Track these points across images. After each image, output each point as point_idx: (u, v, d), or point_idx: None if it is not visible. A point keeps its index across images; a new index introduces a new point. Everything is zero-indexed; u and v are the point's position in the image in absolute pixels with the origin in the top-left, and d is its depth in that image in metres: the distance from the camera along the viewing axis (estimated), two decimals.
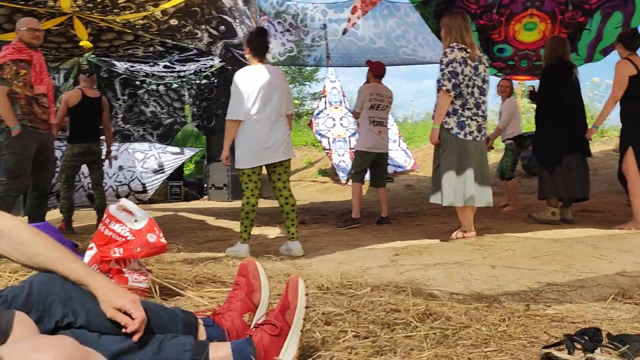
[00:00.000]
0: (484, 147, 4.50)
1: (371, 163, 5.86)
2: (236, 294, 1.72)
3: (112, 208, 2.24)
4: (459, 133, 4.26)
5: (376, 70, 5.94)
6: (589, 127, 5.17)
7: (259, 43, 4.11)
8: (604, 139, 10.36)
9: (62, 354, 1.01)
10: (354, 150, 6.23)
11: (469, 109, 4.28)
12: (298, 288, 1.56)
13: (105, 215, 2.25)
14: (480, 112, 4.35)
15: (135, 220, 2.23)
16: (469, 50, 4.28)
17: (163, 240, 2.19)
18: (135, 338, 1.39)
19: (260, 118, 3.93)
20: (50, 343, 1.04)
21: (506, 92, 6.77)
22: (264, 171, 4.09)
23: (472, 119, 4.29)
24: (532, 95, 5.64)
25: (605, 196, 6.78)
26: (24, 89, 4.53)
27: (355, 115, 5.99)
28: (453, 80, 4.20)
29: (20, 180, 4.51)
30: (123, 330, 1.40)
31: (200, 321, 1.63)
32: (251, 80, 3.95)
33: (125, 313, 1.40)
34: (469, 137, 4.27)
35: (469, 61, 4.27)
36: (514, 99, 6.86)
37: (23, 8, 6.47)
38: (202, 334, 1.60)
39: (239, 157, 3.98)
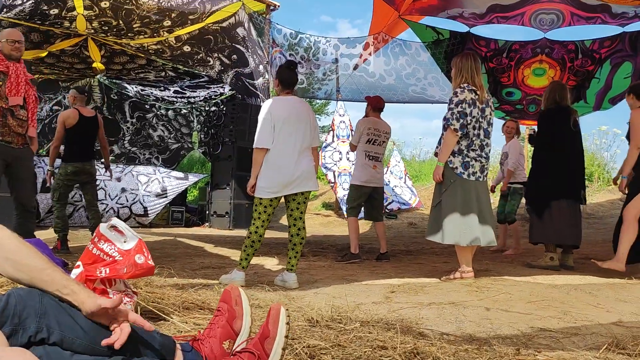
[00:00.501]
0: (486, 188, 4.49)
1: (367, 198, 5.83)
2: (217, 320, 1.68)
3: (102, 227, 2.22)
4: (463, 173, 4.26)
5: (374, 104, 5.96)
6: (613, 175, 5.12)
7: (287, 75, 4.12)
8: (610, 187, 10.29)
9: None
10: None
11: (473, 150, 4.30)
12: (279, 317, 1.53)
13: (94, 234, 2.23)
14: (484, 154, 4.36)
15: (125, 241, 2.20)
16: (478, 92, 4.31)
17: (151, 262, 2.16)
18: (117, 345, 1.38)
19: (287, 148, 3.92)
20: (10, 355, 1.01)
21: (512, 133, 6.78)
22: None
23: (476, 160, 4.30)
24: (531, 139, 5.64)
25: (608, 244, 6.68)
26: None
27: (352, 147, 6.01)
28: (461, 120, 4.23)
29: None
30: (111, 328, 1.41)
31: (178, 346, 1.59)
32: (279, 110, 3.95)
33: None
34: (472, 178, 4.27)
35: (477, 103, 4.30)
36: (518, 139, 6.87)
37: (40, 27, 6.61)
38: (179, 359, 1.56)
39: (263, 186, 3.93)
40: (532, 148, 5.74)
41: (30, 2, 5.73)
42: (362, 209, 6.02)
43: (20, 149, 4.58)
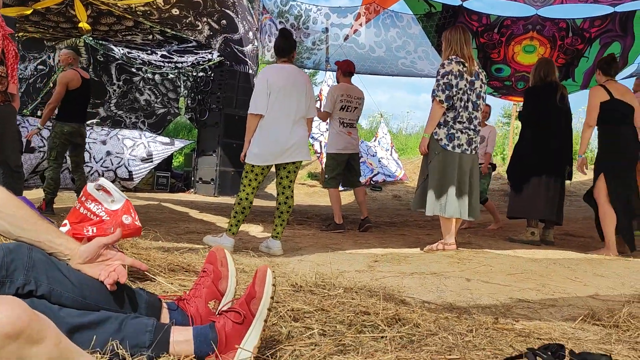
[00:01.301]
0: (475, 161, 4.48)
1: (345, 165, 5.82)
2: (203, 281, 1.70)
3: (89, 186, 2.22)
4: (448, 145, 4.28)
5: (344, 68, 5.91)
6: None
7: (280, 43, 4.11)
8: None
9: (10, 313, 1.00)
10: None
11: (460, 122, 4.30)
12: (266, 278, 1.55)
13: (82, 193, 2.23)
14: (472, 127, 4.36)
15: (112, 201, 2.20)
16: (466, 64, 4.30)
17: (138, 222, 2.17)
18: (123, 280, 1.44)
19: (282, 117, 3.90)
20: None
21: (486, 117, 6.80)
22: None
23: (462, 132, 4.30)
24: (519, 116, 5.67)
25: (588, 221, 6.81)
26: None
27: (325, 116, 5.93)
28: (447, 92, 4.22)
29: None
30: (101, 278, 1.44)
31: (164, 304, 1.61)
32: (275, 78, 3.93)
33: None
34: (457, 150, 4.29)
35: (465, 75, 4.28)
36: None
37: None
38: (165, 317, 1.58)
39: (256, 153, 3.92)
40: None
41: None
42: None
43: (1, 106, 4.36)
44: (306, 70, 16.83)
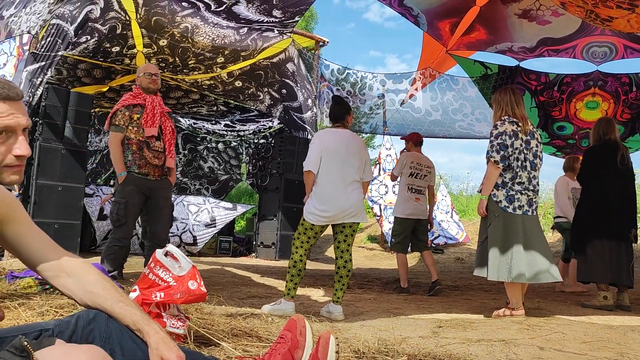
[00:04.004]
0: (537, 222, 4.35)
1: (411, 230, 5.85)
2: (279, 347, 1.71)
3: (158, 253, 2.31)
4: (508, 207, 4.18)
5: (414, 139, 6.10)
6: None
7: (331, 110, 4.24)
8: None
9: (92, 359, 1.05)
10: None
11: (519, 183, 4.21)
12: (329, 345, 1.55)
13: (151, 260, 2.32)
14: (531, 187, 4.26)
15: (179, 267, 2.28)
16: (520, 123, 4.26)
17: (203, 288, 2.23)
18: None
19: (336, 179, 3.97)
20: (82, 350, 1.08)
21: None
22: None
23: (522, 193, 4.21)
24: (578, 176, 5.49)
25: None
26: (137, 134, 4.49)
27: (392, 178, 6.10)
28: (502, 152, 4.17)
29: (122, 230, 4.44)
30: None
31: None
32: (329, 141, 4.04)
33: None
34: (518, 212, 4.18)
35: (520, 134, 4.23)
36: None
37: (102, 64, 6.98)
38: None
39: (312, 212, 3.98)
40: None
41: (93, 40, 6.08)
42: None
43: (157, 181, 4.62)
44: (364, 134, 17.11)
